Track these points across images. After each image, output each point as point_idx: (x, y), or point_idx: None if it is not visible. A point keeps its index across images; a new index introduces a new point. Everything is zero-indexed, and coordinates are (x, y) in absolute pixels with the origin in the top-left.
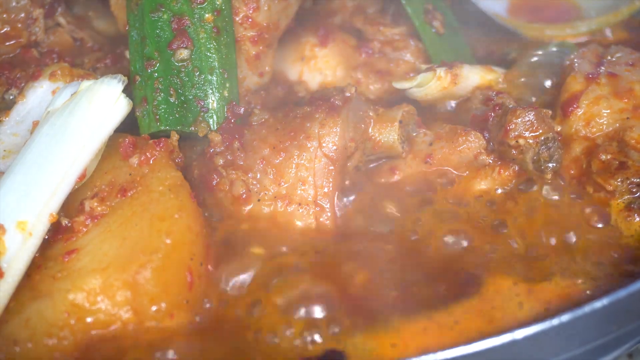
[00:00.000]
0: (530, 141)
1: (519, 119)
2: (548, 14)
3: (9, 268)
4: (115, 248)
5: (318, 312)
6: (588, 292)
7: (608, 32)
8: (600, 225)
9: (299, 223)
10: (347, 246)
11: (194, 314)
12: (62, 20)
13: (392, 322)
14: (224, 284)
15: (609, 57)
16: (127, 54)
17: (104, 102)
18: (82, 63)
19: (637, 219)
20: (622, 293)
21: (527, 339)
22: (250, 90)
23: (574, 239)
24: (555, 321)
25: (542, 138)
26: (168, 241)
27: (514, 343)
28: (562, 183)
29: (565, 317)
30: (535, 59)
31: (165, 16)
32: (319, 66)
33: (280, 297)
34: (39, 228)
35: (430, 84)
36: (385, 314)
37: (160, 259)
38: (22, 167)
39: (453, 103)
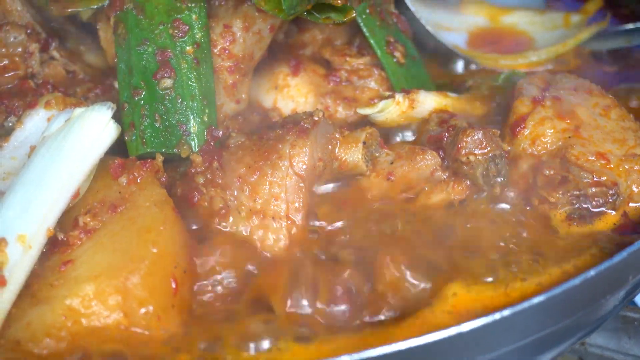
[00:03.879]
0: (480, 158)
1: (469, 138)
2: (504, 45)
3: (11, 277)
4: (107, 258)
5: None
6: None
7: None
8: (544, 233)
9: (272, 235)
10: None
11: (180, 317)
12: (55, 54)
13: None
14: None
15: (555, 82)
16: (115, 84)
17: (94, 127)
18: (74, 93)
19: (576, 226)
20: (557, 290)
21: (473, 331)
22: (228, 116)
23: (520, 245)
24: (497, 315)
25: (490, 155)
26: (154, 250)
27: (460, 336)
28: (510, 196)
29: (506, 312)
30: (488, 85)
31: (150, 49)
32: (291, 94)
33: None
34: (38, 241)
35: (390, 109)
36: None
37: (147, 266)
38: (21, 186)
39: (412, 125)
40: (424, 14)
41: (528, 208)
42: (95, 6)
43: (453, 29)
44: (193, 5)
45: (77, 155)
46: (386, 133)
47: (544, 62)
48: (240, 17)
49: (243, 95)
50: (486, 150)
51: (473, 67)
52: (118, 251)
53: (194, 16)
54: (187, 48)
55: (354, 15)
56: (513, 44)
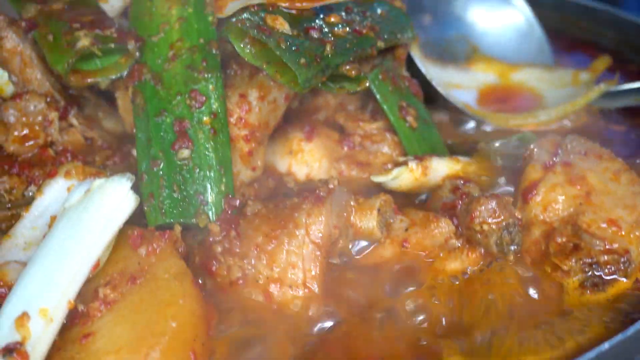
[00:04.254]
0: (493, 227)
1: (483, 207)
2: (514, 102)
3: (33, 351)
4: (127, 331)
5: None
6: None
7: (567, 121)
8: (557, 301)
9: (291, 306)
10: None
11: None
12: (74, 121)
13: None
14: None
15: (565, 147)
16: (133, 151)
17: (114, 199)
18: (93, 160)
19: (589, 295)
20: None
21: None
22: (244, 183)
23: (532, 314)
24: None
25: (504, 224)
26: (174, 325)
27: None
28: (523, 263)
29: None
30: (499, 149)
31: (168, 120)
32: (305, 159)
33: None
34: (59, 314)
35: (404, 176)
36: None
37: (167, 341)
38: (43, 259)
39: (426, 191)
40: (435, 74)
41: (540, 277)
42: (114, 77)
43: (463, 86)
44: (210, 75)
45: (97, 226)
46: (398, 198)
47: (553, 121)
48: (255, 87)
49: (259, 163)
50: (499, 219)
51: (484, 127)
52: (138, 325)
53: (210, 86)
54: (204, 118)
55: (367, 84)
56: (523, 101)
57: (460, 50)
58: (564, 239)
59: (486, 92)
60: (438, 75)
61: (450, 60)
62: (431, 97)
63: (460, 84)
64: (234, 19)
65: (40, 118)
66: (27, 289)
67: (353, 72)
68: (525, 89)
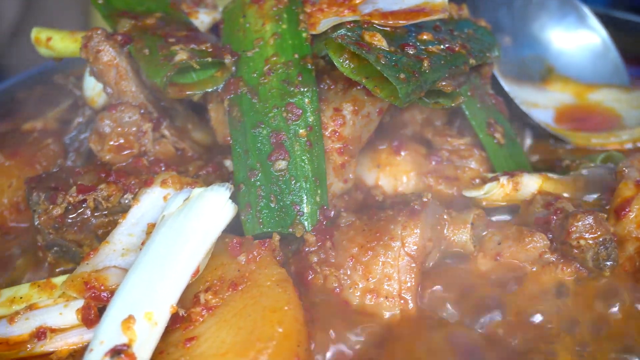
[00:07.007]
0: (590, 242)
1: (580, 222)
2: (591, 122)
3: (139, 353)
4: (232, 336)
5: None
6: None
7: None
8: None
9: (386, 313)
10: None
11: None
12: (166, 132)
13: None
14: None
15: None
16: (225, 162)
17: (213, 207)
18: (186, 170)
19: None
20: None
21: None
22: (336, 195)
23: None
24: None
25: (601, 239)
26: (280, 330)
27: None
28: (619, 279)
29: None
30: (588, 167)
31: (264, 132)
32: (393, 172)
33: None
34: (162, 318)
35: (494, 191)
36: None
37: (275, 346)
38: (145, 265)
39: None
40: (514, 93)
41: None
42: (210, 89)
43: (540, 105)
44: (305, 89)
45: (197, 234)
46: (489, 212)
47: (636, 141)
48: (350, 101)
49: (350, 175)
50: (597, 235)
51: (565, 145)
52: (243, 329)
53: (306, 100)
54: (300, 131)
55: (462, 100)
56: (600, 120)
57: (536, 70)
58: None
59: (563, 111)
60: (516, 94)
61: (527, 79)
62: (516, 116)
63: (537, 103)
64: (333, 35)
65: (134, 129)
66: (131, 293)
67: (449, 88)
68: (603, 109)
